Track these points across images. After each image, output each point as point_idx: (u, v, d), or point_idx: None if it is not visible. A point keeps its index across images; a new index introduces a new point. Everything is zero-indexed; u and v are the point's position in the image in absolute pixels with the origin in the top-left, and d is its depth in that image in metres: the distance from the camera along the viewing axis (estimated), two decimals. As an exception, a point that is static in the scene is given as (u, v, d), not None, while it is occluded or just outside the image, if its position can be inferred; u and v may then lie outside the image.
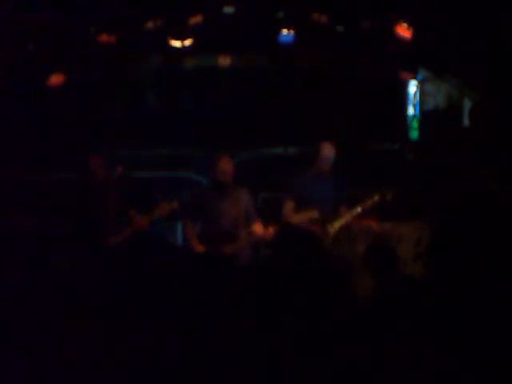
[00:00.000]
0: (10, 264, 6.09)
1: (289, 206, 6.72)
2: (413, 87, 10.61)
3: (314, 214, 6.56)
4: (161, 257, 6.16)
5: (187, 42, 9.09)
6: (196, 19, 9.16)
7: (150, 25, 9.01)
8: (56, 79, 8.97)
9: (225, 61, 10.37)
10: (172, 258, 5.76)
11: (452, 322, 3.96)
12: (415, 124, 10.68)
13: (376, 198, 6.68)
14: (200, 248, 6.34)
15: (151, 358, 4.02)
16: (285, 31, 9.21)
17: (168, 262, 5.05)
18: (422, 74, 10.35)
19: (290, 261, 4.42)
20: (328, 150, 6.74)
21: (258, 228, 6.49)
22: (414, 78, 10.41)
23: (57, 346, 4.27)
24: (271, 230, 6.38)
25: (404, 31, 8.83)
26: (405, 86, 10.62)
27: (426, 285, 4.28)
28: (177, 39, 9.05)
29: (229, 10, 9.25)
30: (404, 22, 8.79)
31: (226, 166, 6.41)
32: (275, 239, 6.19)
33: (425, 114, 10.63)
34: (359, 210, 6.67)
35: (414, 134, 10.71)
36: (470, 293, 4.17)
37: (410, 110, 10.69)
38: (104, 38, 8.81)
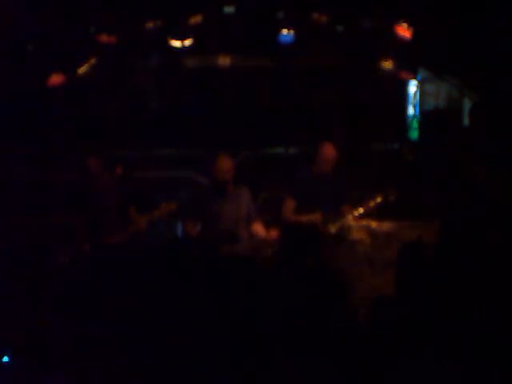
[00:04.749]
0: (10, 264, 6.09)
1: (289, 205, 6.72)
2: (413, 87, 10.62)
3: (317, 216, 6.56)
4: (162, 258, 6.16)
5: (187, 42, 9.10)
6: (196, 19, 9.17)
7: (149, 25, 9.02)
8: (56, 79, 8.97)
9: (225, 61, 10.37)
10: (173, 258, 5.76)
11: (454, 322, 3.96)
12: (415, 124, 10.69)
13: (378, 199, 6.66)
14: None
15: (150, 358, 4.02)
16: (285, 31, 9.23)
17: (169, 263, 5.04)
18: (421, 74, 10.35)
19: (295, 260, 4.43)
20: (329, 151, 6.73)
21: (258, 228, 6.49)
22: (414, 78, 10.42)
23: (56, 345, 4.27)
24: (273, 232, 6.37)
25: (404, 31, 8.84)
26: (405, 85, 10.62)
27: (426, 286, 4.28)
28: (177, 39, 9.07)
29: (229, 9, 9.26)
30: (404, 22, 8.79)
31: (225, 164, 6.39)
32: (280, 239, 6.19)
33: (425, 114, 10.64)
34: (361, 210, 6.66)
35: (414, 134, 10.72)
36: (471, 293, 4.17)
37: (410, 110, 10.70)
38: (104, 37, 8.82)
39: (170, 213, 6.60)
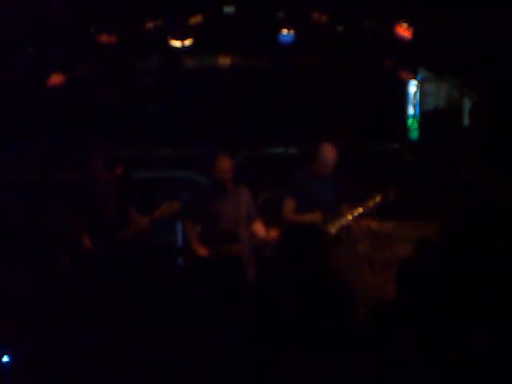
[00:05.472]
0: (12, 263, 6.10)
1: (289, 205, 6.72)
2: (413, 87, 10.62)
3: (317, 216, 6.57)
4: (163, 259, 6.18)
5: (187, 42, 9.10)
6: (196, 19, 9.17)
7: (149, 25, 9.02)
8: (56, 79, 8.97)
9: (225, 61, 10.38)
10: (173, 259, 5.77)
11: (454, 323, 3.96)
12: (415, 124, 10.68)
13: (378, 198, 6.67)
14: (201, 249, 6.33)
15: (150, 357, 4.02)
16: (285, 31, 9.23)
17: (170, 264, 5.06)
18: (421, 73, 10.35)
19: (295, 260, 4.44)
20: (329, 152, 6.72)
21: (258, 227, 6.49)
22: (414, 78, 10.41)
23: (56, 345, 4.27)
24: (273, 232, 6.37)
25: (404, 31, 8.83)
26: (405, 85, 10.62)
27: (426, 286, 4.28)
28: (177, 39, 9.06)
29: (229, 9, 9.26)
30: (404, 21, 8.79)
31: (224, 164, 6.40)
32: (280, 239, 6.20)
33: (425, 114, 10.63)
34: (361, 210, 6.67)
35: (414, 134, 10.71)
36: (471, 293, 4.17)
37: (410, 110, 10.70)
38: (104, 37, 8.81)
39: (173, 212, 6.60)
